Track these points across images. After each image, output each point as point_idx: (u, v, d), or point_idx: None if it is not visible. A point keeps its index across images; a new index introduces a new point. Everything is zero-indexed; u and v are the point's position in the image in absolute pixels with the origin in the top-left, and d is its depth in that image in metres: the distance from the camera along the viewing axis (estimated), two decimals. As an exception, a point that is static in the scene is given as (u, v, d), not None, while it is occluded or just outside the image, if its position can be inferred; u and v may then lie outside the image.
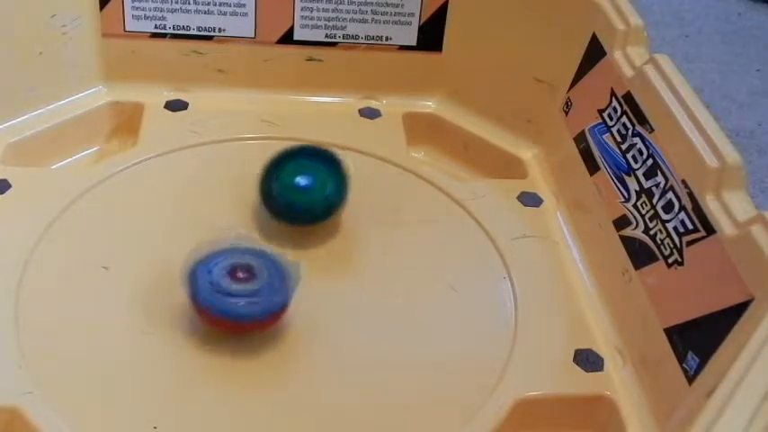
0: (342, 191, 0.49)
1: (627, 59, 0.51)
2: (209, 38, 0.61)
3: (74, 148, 0.58)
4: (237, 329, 0.43)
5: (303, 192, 0.48)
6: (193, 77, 0.61)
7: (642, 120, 0.48)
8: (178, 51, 0.61)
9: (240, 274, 0.42)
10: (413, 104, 0.63)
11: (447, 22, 0.61)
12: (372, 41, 0.62)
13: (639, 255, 0.46)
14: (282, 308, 0.43)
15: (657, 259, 0.44)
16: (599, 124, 0.52)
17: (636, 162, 0.48)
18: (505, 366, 0.43)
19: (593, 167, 0.52)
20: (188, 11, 0.60)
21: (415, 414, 0.42)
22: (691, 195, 0.42)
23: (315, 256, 0.49)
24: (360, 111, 0.62)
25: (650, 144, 0.47)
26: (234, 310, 0.41)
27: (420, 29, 0.62)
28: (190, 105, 0.60)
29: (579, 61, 0.55)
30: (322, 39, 0.61)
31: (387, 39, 0.62)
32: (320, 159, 0.49)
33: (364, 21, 0.61)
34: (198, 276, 0.42)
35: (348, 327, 0.46)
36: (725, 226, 0.40)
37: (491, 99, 0.61)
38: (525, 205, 0.54)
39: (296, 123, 0.59)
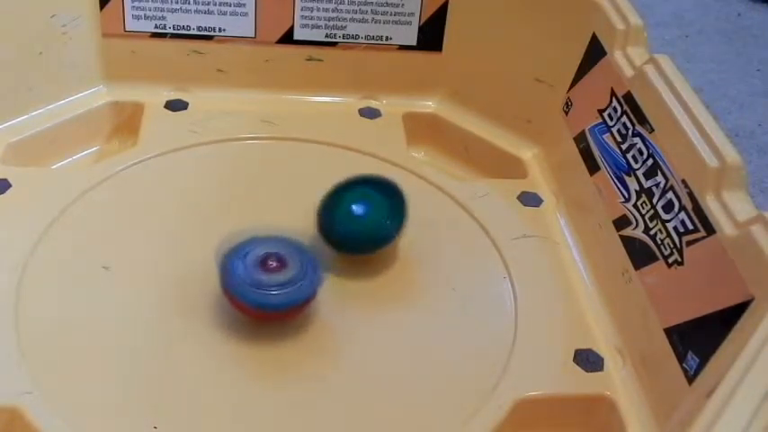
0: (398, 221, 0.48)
1: (627, 59, 0.51)
2: (210, 38, 0.61)
3: (74, 148, 0.58)
4: (269, 318, 0.44)
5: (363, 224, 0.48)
6: (193, 77, 0.61)
7: (642, 120, 0.48)
8: (178, 51, 0.61)
9: (271, 264, 0.43)
10: (413, 104, 0.63)
11: (447, 22, 0.61)
12: (372, 41, 0.62)
13: (639, 255, 0.46)
14: (311, 298, 0.44)
15: (657, 259, 0.44)
16: (599, 124, 0.52)
17: (636, 162, 0.48)
18: (505, 366, 0.43)
19: (593, 167, 0.52)
20: (188, 11, 0.60)
21: (415, 414, 0.42)
22: (691, 195, 0.42)
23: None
24: (360, 111, 0.62)
25: (650, 144, 0.47)
26: (264, 300, 0.42)
27: (420, 29, 0.62)
28: (190, 105, 0.60)
29: (579, 61, 0.55)
30: (322, 39, 0.61)
31: (387, 39, 0.62)
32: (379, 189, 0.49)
33: (364, 21, 0.61)
34: (231, 266, 0.43)
35: (348, 327, 0.46)
36: (725, 226, 0.40)
37: (491, 99, 0.61)
38: (525, 205, 0.54)
39: (296, 123, 0.59)
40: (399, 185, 0.49)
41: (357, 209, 0.47)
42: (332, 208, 0.48)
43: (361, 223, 0.48)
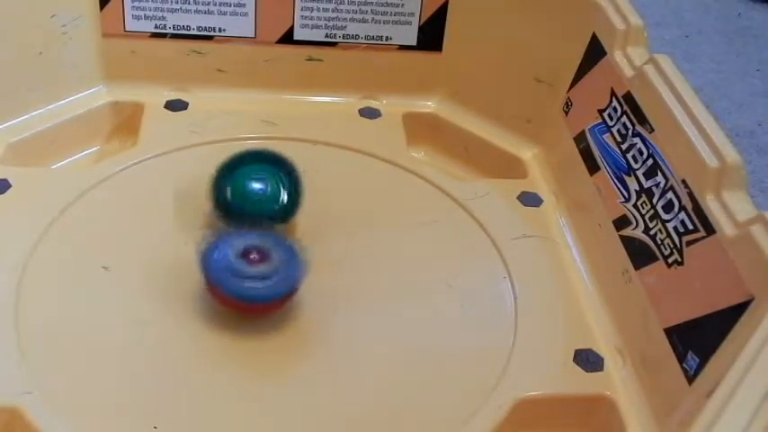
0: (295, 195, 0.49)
1: (627, 59, 0.51)
2: (210, 38, 0.61)
3: (74, 148, 0.58)
4: (249, 311, 0.44)
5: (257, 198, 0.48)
6: (193, 77, 0.61)
7: (642, 120, 0.48)
8: (178, 51, 0.61)
9: (253, 256, 0.43)
10: (413, 104, 0.63)
11: (447, 22, 0.61)
12: (372, 41, 0.62)
13: (639, 255, 0.46)
14: (293, 290, 0.44)
15: (657, 259, 0.44)
16: (599, 124, 0.52)
17: (636, 162, 0.48)
18: (505, 366, 0.43)
19: (593, 167, 0.52)
20: (188, 11, 0.60)
21: (414, 414, 0.42)
22: (691, 195, 0.42)
23: (314, 256, 0.49)
24: (360, 111, 0.62)
25: (650, 144, 0.47)
26: (245, 291, 0.42)
27: (420, 29, 0.62)
28: (190, 105, 0.60)
29: (579, 61, 0.55)
30: (322, 39, 0.61)
31: (387, 39, 0.62)
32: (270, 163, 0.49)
33: (364, 21, 0.61)
34: (211, 257, 0.43)
35: (348, 326, 0.46)
36: (725, 226, 0.40)
37: (491, 99, 0.61)
38: (525, 205, 0.54)
39: (296, 123, 0.59)
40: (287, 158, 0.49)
41: (252, 185, 0.48)
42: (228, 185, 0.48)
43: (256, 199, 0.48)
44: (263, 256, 0.43)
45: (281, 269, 0.43)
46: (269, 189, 0.48)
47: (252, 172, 0.48)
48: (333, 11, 0.61)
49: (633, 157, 0.48)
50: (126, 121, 0.60)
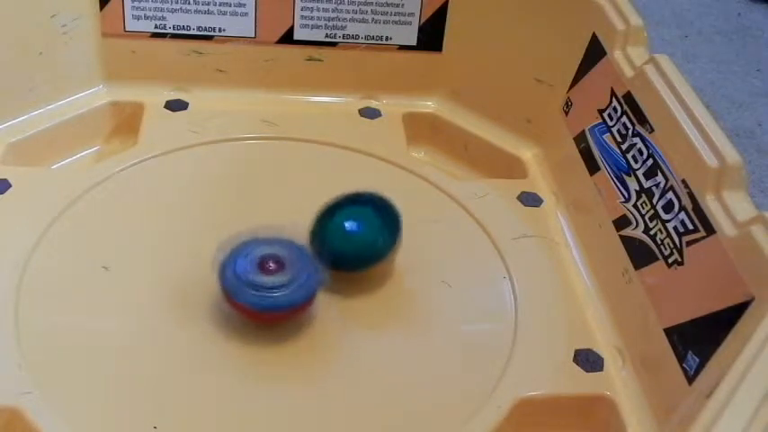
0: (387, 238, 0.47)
1: (627, 59, 0.51)
2: (210, 38, 0.61)
3: (74, 148, 0.58)
4: (269, 319, 0.44)
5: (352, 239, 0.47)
6: (193, 77, 0.61)
7: (642, 120, 0.48)
8: (178, 51, 0.61)
9: (270, 266, 0.43)
10: (413, 104, 0.63)
11: (447, 22, 0.61)
12: (372, 41, 0.62)
13: (639, 255, 0.46)
14: (310, 299, 0.44)
15: (657, 259, 0.44)
16: (599, 124, 0.52)
17: (636, 162, 0.48)
18: (505, 366, 0.43)
19: (593, 167, 0.52)
20: (188, 11, 0.60)
21: (415, 414, 0.42)
22: (691, 195, 0.42)
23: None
24: (360, 111, 0.62)
25: (650, 144, 0.47)
26: (262, 301, 0.42)
27: (420, 29, 0.62)
28: (190, 105, 0.60)
29: (579, 61, 0.55)
30: (322, 39, 0.61)
31: (387, 39, 0.62)
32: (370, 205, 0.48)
33: (364, 21, 0.61)
34: (228, 268, 0.43)
35: (348, 326, 0.46)
36: (725, 226, 0.40)
37: (491, 99, 0.61)
38: (525, 205, 0.54)
39: (296, 123, 0.59)
40: (393, 202, 0.47)
41: (349, 226, 0.46)
42: (324, 226, 0.47)
43: (353, 242, 0.46)
44: (280, 265, 0.43)
45: (297, 278, 0.43)
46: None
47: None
48: (333, 11, 0.61)
49: (633, 157, 0.48)
50: (126, 121, 0.60)
